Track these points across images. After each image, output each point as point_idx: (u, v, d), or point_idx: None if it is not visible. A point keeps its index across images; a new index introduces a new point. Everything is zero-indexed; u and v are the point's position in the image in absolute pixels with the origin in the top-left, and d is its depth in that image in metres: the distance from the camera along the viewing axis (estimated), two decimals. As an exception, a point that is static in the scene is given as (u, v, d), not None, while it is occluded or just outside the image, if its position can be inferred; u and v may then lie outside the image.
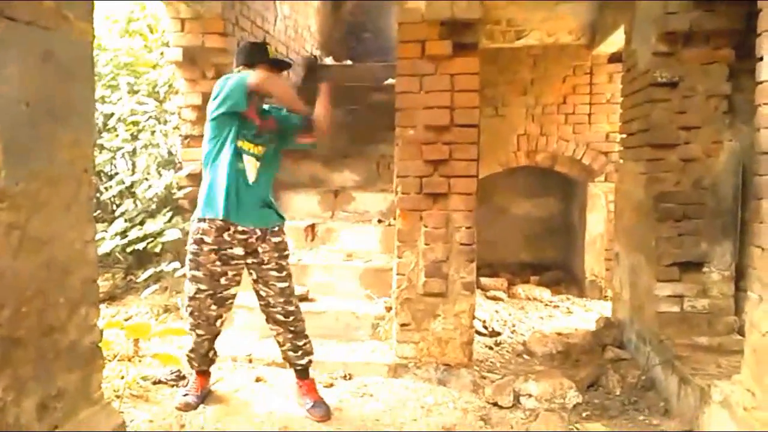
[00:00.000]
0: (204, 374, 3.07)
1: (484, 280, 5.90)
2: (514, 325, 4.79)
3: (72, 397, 2.16)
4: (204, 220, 2.80)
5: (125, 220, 4.26)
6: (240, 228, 2.80)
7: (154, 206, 4.44)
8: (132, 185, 4.44)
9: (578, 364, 3.74)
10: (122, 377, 3.06)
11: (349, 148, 5.13)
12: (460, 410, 3.01)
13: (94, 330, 2.28)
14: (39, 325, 2.00)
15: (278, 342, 3.01)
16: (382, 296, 3.86)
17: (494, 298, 5.64)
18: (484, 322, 4.70)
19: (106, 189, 4.48)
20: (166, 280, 4.22)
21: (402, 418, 2.87)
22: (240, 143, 2.82)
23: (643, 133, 3.42)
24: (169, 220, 4.24)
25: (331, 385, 3.27)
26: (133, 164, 4.72)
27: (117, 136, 4.53)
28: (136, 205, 4.42)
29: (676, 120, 3.23)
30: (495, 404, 3.08)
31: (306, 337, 3.00)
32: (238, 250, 2.83)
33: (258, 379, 3.27)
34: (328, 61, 7.01)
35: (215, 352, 3.09)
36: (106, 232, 4.16)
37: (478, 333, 4.42)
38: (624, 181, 4.00)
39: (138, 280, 4.25)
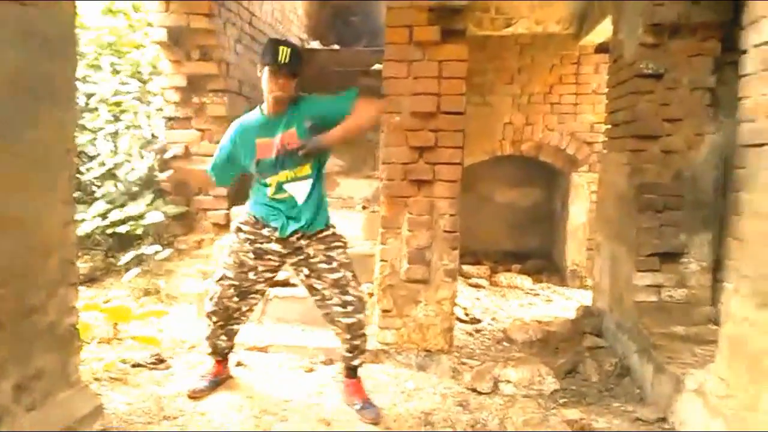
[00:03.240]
0: (220, 362, 3.01)
1: (466, 268, 5.93)
2: (495, 313, 4.83)
3: (49, 379, 2.15)
4: (246, 216, 2.80)
5: (106, 202, 4.22)
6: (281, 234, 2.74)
7: (136, 188, 4.40)
8: (114, 167, 4.39)
9: (557, 351, 3.78)
10: (101, 360, 3.05)
11: (334, 133, 5.09)
12: (439, 396, 3.03)
13: (72, 312, 2.27)
14: (17, 307, 1.98)
15: (340, 339, 2.86)
16: (365, 282, 3.85)
17: (476, 286, 5.68)
18: (466, 309, 4.73)
19: (87, 170, 4.42)
20: (147, 263, 4.19)
21: (382, 402, 2.88)
22: (272, 180, 2.73)
23: (628, 124, 3.44)
24: (151, 203, 4.20)
25: (312, 370, 3.27)
26: (115, 145, 4.66)
27: (99, 116, 4.47)
28: (118, 187, 4.38)
29: (659, 112, 3.25)
30: (474, 390, 3.10)
31: (363, 335, 2.82)
32: (276, 246, 2.74)
33: (238, 364, 3.26)
34: (315, 45, 6.95)
35: (231, 344, 3.00)
36: (86, 213, 4.11)
37: (459, 320, 4.45)
38: (607, 172, 4.03)
39: (119, 263, 4.21)
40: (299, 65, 2.67)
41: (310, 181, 2.73)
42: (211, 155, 4.37)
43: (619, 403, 3.03)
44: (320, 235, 2.75)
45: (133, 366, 3.15)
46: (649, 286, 3.32)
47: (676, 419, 2.69)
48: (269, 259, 2.77)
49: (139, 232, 4.14)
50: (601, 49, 5.14)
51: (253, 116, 2.79)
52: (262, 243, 2.74)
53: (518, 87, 5.79)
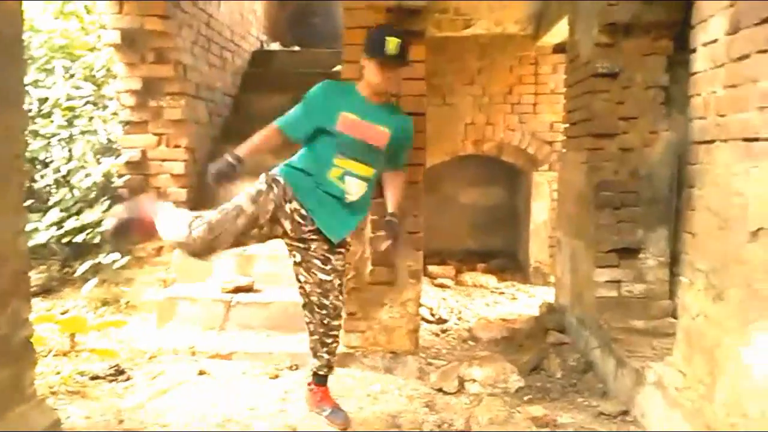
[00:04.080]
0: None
1: (432, 268, 5.95)
2: (460, 312, 4.85)
3: (3, 394, 2.08)
4: (282, 178, 2.63)
5: (61, 210, 4.10)
6: (303, 213, 2.61)
7: (92, 195, 4.28)
8: (68, 173, 4.26)
9: (521, 348, 3.82)
10: (58, 373, 2.96)
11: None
12: (405, 397, 3.03)
13: (26, 325, 2.20)
14: (-37, 321, 1.90)
15: (309, 330, 2.80)
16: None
17: (442, 286, 5.70)
18: (432, 309, 4.75)
19: (41, 177, 4.28)
20: (104, 273, 4.08)
21: (348, 406, 2.86)
22: (342, 163, 2.60)
23: (585, 122, 3.50)
24: (108, 210, 4.09)
25: (277, 376, 3.23)
26: (70, 151, 4.53)
27: (52, 122, 4.34)
28: (73, 194, 4.25)
29: (615, 110, 3.31)
30: (440, 390, 3.11)
31: (336, 337, 2.78)
32: (287, 224, 2.62)
33: (201, 372, 3.20)
34: (275, 46, 6.89)
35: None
36: (40, 222, 3.98)
37: (426, 320, 4.46)
38: (566, 170, 4.09)
39: (75, 273, 4.09)
40: (407, 56, 2.61)
41: (366, 185, 2.66)
42: (171, 159, 4.38)
43: (582, 398, 3.07)
44: (328, 243, 2.67)
45: (92, 378, 3.06)
46: (608, 281, 3.37)
47: (637, 412, 2.74)
48: (272, 229, 2.64)
49: (95, 240, 4.02)
50: (559, 49, 5.23)
51: (347, 87, 2.68)
52: (279, 215, 2.60)
53: (479, 87, 5.84)
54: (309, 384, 2.89)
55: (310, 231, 2.63)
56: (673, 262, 3.33)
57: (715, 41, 2.07)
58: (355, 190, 2.63)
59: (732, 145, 1.95)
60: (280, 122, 2.72)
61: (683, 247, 2.40)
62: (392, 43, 2.49)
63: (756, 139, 1.80)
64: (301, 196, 2.61)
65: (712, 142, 2.10)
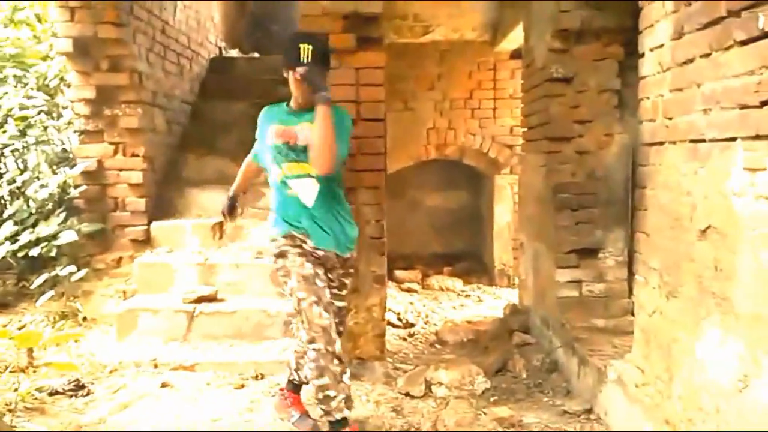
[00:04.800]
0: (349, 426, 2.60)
1: (398, 273, 5.97)
2: (427, 316, 4.88)
3: (-48, 416, 2.01)
4: (279, 235, 2.59)
5: (15, 223, 3.98)
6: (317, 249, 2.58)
7: (48, 207, 4.18)
8: (22, 185, 4.15)
9: (487, 350, 3.86)
10: (15, 389, 2.87)
11: (257, 143, 5.02)
12: (372, 403, 3.03)
13: (-24, 342, 2.13)
14: None
15: (303, 354, 2.66)
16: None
17: (409, 290, 5.73)
18: (399, 314, 4.77)
19: (-7, 189, 4.16)
20: (62, 285, 3.98)
21: (315, 414, 2.84)
22: (283, 168, 2.56)
23: (542, 126, 3.57)
24: (64, 221, 4.00)
25: (242, 386, 3.19)
26: (24, 162, 4.41)
27: (4, 132, 4.22)
28: (28, 206, 4.14)
29: (570, 114, 3.38)
30: (407, 394, 3.12)
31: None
32: (320, 252, 2.58)
33: (164, 385, 3.14)
34: (234, 53, 6.83)
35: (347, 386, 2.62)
36: (-6, 235, 3.87)
37: (393, 325, 4.48)
38: (526, 173, 4.15)
39: (32, 287, 3.98)
40: (326, 60, 2.56)
41: (313, 181, 2.55)
42: (128, 169, 4.30)
43: (547, 397, 3.12)
44: (339, 258, 2.63)
45: (51, 394, 2.99)
46: (569, 281, 3.44)
47: (600, 409, 2.79)
48: (321, 264, 2.58)
49: (52, 253, 3.92)
50: (516, 55, 5.33)
51: (280, 106, 2.68)
52: (313, 251, 2.55)
53: (439, 93, 5.91)
54: (281, 389, 2.87)
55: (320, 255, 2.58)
56: (631, 261, 3.41)
57: (661, 46, 2.13)
58: (305, 191, 2.55)
59: (680, 146, 2.02)
60: (252, 153, 2.90)
61: (637, 246, 2.46)
62: (304, 51, 2.43)
63: (702, 140, 1.86)
64: (297, 228, 2.56)
65: (661, 143, 2.16)
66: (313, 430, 2.69)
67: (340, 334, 2.64)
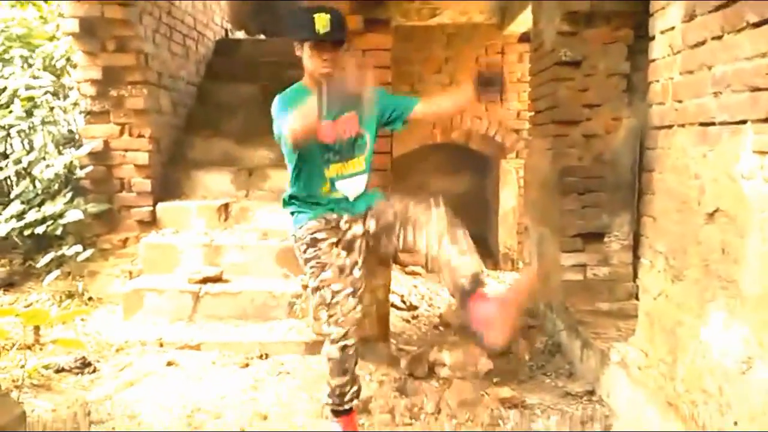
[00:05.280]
0: (351, 414, 2.48)
1: (402, 256, 5.98)
2: (431, 299, 4.90)
3: (-38, 390, 2.03)
4: (308, 220, 2.36)
5: (22, 202, 4.00)
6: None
7: (54, 187, 4.19)
8: (29, 165, 4.16)
9: (491, 333, 3.87)
10: (22, 366, 2.90)
11: (263, 124, 4.99)
12: (376, 383, 3.05)
13: (-16, 318, 2.15)
14: None
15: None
16: (299, 275, 3.82)
17: (413, 273, 5.74)
18: (402, 296, 4.78)
19: (0, 169, 4.17)
20: (68, 265, 4.01)
21: (319, 393, 2.87)
22: (327, 172, 2.33)
23: (550, 110, 3.55)
24: (70, 201, 4.01)
25: (247, 365, 3.22)
26: (30, 143, 4.42)
27: (11, 112, 4.22)
28: (34, 186, 4.16)
29: (579, 98, 3.37)
30: (411, 375, 3.13)
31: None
32: (358, 228, 2.38)
33: (169, 363, 3.17)
34: (240, 35, 6.80)
35: (358, 377, 2.52)
36: (0, 215, 3.89)
37: (397, 307, 4.49)
38: (532, 157, 4.14)
39: (38, 266, 4.01)
40: (344, 31, 2.29)
41: (364, 177, 2.41)
42: (134, 150, 4.30)
43: (549, 379, 3.14)
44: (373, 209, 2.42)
45: (57, 371, 3.02)
46: (574, 265, 3.45)
47: (602, 391, 2.81)
48: (358, 246, 2.40)
49: (58, 232, 3.94)
50: (524, 38, 5.29)
51: (296, 90, 2.35)
52: (345, 234, 2.38)
53: (446, 76, 5.87)
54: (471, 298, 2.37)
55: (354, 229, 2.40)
56: (636, 245, 3.41)
57: (672, 28, 2.12)
58: (352, 188, 2.39)
59: (689, 129, 2.01)
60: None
61: (643, 230, 2.46)
62: (321, 20, 2.19)
63: (712, 124, 1.86)
64: (336, 211, 2.38)
65: (670, 127, 2.15)
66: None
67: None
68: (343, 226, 2.37)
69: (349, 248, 2.37)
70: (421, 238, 2.33)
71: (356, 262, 2.37)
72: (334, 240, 2.34)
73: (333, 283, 2.30)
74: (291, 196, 2.44)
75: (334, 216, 2.37)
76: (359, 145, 2.38)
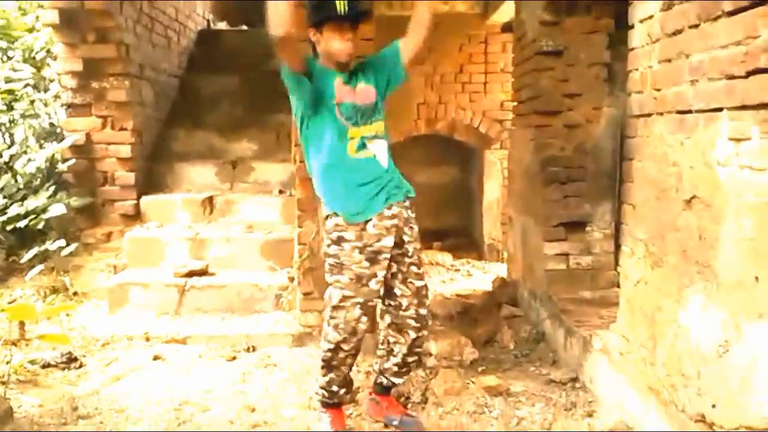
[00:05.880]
0: (339, 407, 2.52)
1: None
2: (416, 290, 4.92)
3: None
4: (338, 214, 2.33)
5: (4, 197, 3.97)
6: (386, 213, 2.34)
7: (37, 181, 4.16)
8: (10, 159, 4.12)
9: (476, 322, 3.91)
10: (8, 362, 2.89)
11: (247, 117, 5.00)
12: (363, 373, 3.06)
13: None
14: None
15: (387, 353, 2.53)
16: (285, 267, 3.84)
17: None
18: (388, 287, 4.80)
19: (-20, 164, 4.14)
20: (52, 260, 3.98)
21: (306, 384, 2.89)
22: (350, 132, 2.32)
23: (532, 100, 3.57)
24: (53, 195, 3.98)
25: (234, 358, 3.23)
26: (11, 136, 4.37)
27: (-10, 106, 4.19)
28: (16, 180, 4.12)
29: (560, 88, 3.39)
30: (397, 365, 3.16)
31: (420, 348, 2.56)
32: (388, 241, 2.32)
33: (156, 357, 3.17)
34: (222, 26, 6.75)
35: (352, 379, 2.58)
36: (-18, 210, 3.86)
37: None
38: (515, 147, 4.17)
39: (21, 261, 3.98)
40: (362, 13, 2.33)
41: (386, 143, 2.42)
42: (117, 143, 4.27)
43: (534, 367, 3.17)
44: (412, 217, 2.45)
45: (43, 366, 3.02)
46: (557, 254, 3.48)
47: (586, 378, 2.85)
48: (385, 260, 2.33)
49: (41, 226, 3.91)
50: (507, 28, 5.29)
51: (319, 68, 2.36)
52: (372, 244, 2.31)
53: (430, 66, 5.86)
54: (371, 393, 2.66)
55: (400, 221, 2.38)
56: (618, 233, 3.45)
57: (651, 17, 2.14)
58: (381, 152, 2.38)
59: (667, 117, 2.03)
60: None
61: (624, 218, 2.49)
62: (341, 2, 2.22)
63: (689, 112, 1.88)
64: (368, 207, 2.33)
65: (649, 115, 2.18)
66: (420, 430, 2.52)
67: (422, 321, 2.43)
68: (371, 230, 2.31)
69: (372, 259, 2.31)
70: (404, 290, 2.42)
71: (375, 275, 2.31)
72: (360, 245, 2.30)
73: (345, 288, 2.30)
74: (321, 172, 2.38)
75: (364, 218, 2.31)
76: (378, 109, 2.41)
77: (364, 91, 2.38)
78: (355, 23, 2.31)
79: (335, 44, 2.29)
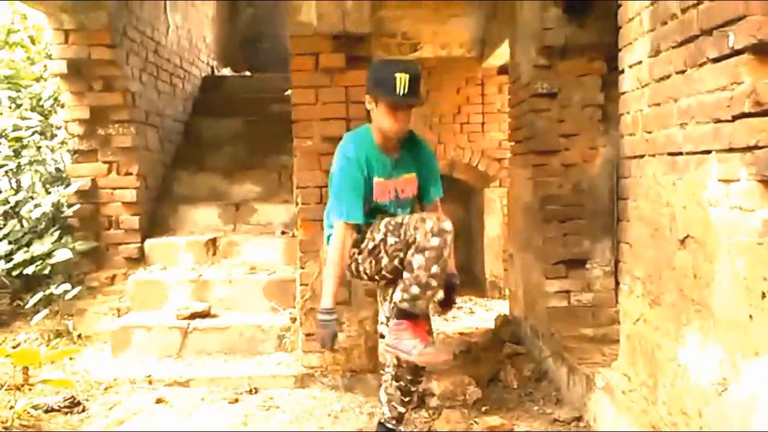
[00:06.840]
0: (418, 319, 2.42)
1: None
2: (419, 329, 4.91)
3: (-49, 433, 2.03)
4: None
5: (9, 242, 4.01)
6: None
7: (42, 226, 4.21)
8: (16, 205, 4.18)
9: (479, 361, 3.90)
10: (11, 407, 2.89)
11: (249, 159, 5.09)
12: (366, 415, 3.06)
13: (-26, 360, 2.16)
14: None
15: (392, 375, 2.59)
16: (288, 308, 3.86)
17: (400, 304, 5.75)
18: (390, 327, 4.79)
19: (-13, 209, 4.20)
20: (56, 304, 4.01)
21: (308, 426, 2.89)
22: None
23: (529, 140, 3.65)
24: (58, 240, 4.03)
25: (236, 400, 3.22)
26: (18, 182, 4.45)
27: (-1, 153, 4.27)
28: (22, 226, 4.18)
29: (556, 128, 3.47)
30: (400, 406, 3.15)
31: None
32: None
33: (159, 401, 3.17)
34: (226, 71, 6.91)
35: None
36: (-13, 256, 3.90)
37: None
38: (514, 186, 4.23)
39: (26, 306, 4.00)
40: (419, 92, 2.31)
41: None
42: (122, 187, 4.34)
43: (538, 406, 3.17)
44: None
45: (47, 411, 3.01)
46: (558, 292, 3.50)
47: (589, 416, 2.84)
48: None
49: (46, 271, 3.95)
50: (503, 70, 5.43)
51: (365, 141, 2.39)
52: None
53: (428, 108, 5.98)
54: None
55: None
56: (618, 271, 3.48)
57: (639, 63, 2.22)
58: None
59: (659, 159, 2.09)
60: (343, 216, 2.34)
61: (621, 256, 2.53)
62: (402, 80, 2.20)
63: (679, 153, 1.94)
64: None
65: (641, 156, 2.24)
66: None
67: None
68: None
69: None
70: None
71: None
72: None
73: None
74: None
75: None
76: (412, 200, 2.53)
77: (408, 184, 2.46)
78: (411, 105, 2.32)
79: (388, 122, 2.30)
